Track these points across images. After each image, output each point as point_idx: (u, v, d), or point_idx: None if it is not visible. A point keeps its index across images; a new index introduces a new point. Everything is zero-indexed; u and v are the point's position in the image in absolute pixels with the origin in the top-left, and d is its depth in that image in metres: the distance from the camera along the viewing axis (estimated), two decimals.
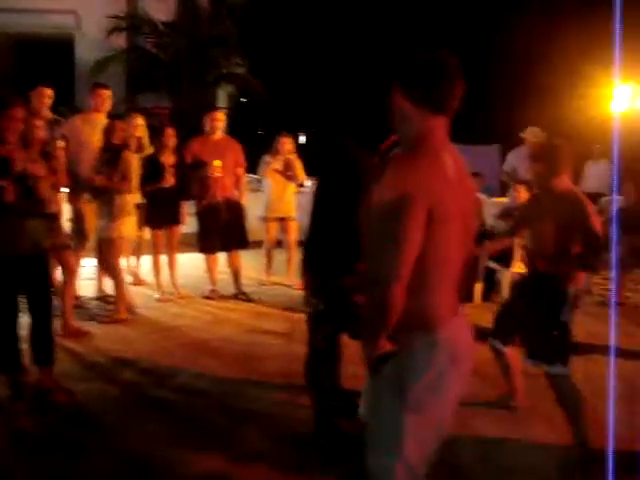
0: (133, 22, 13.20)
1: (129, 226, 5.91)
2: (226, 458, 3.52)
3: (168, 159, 6.53)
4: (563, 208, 3.55)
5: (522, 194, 7.20)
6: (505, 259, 6.90)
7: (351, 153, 3.60)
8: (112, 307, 6.03)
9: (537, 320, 3.64)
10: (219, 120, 6.79)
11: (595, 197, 10.25)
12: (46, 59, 14.46)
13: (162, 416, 4.03)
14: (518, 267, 6.79)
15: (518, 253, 6.70)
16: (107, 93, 6.35)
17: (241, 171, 6.91)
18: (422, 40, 18.64)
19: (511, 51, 15.60)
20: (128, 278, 6.84)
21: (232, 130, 20.36)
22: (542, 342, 3.62)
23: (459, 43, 18.72)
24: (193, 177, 6.62)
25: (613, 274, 7.39)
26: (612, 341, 5.28)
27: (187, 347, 5.30)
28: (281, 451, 3.60)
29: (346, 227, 3.49)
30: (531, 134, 8.82)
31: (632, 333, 5.78)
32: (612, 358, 5.00)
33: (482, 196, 8.79)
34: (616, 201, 9.22)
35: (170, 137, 6.61)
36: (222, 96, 18.74)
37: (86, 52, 13.32)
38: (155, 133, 6.88)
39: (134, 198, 6.12)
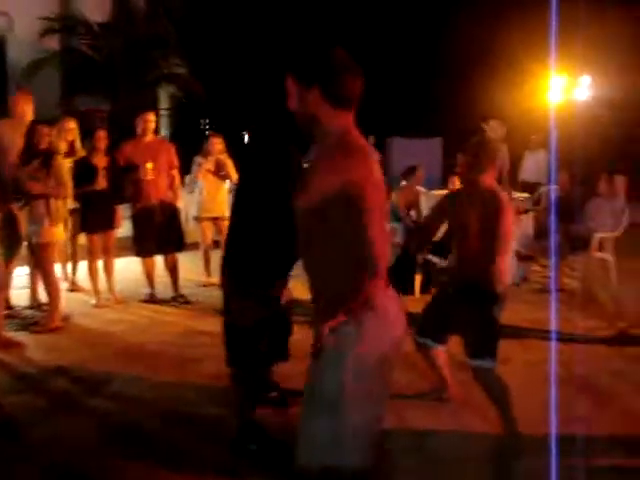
0: (66, 23, 12.94)
1: (60, 231, 5.81)
2: (160, 464, 3.47)
3: (100, 161, 6.42)
4: (485, 205, 3.57)
5: (457, 185, 7.31)
6: (443, 251, 6.95)
7: (289, 153, 3.53)
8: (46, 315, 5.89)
9: (468, 318, 3.64)
10: (150, 121, 6.68)
11: (533, 186, 10.48)
12: None
13: (92, 424, 3.94)
14: None
15: None
16: (28, 97, 6.20)
17: (175, 172, 6.82)
18: (367, 38, 18.75)
19: (454, 46, 15.79)
20: (64, 285, 6.72)
21: (175, 130, 20.14)
22: (473, 339, 3.65)
23: (403, 40, 18.90)
24: (126, 180, 6.53)
25: (552, 261, 7.56)
26: (553, 326, 5.41)
27: (122, 353, 5.21)
28: (216, 454, 3.56)
29: (273, 231, 3.44)
30: (489, 127, 8.83)
31: (571, 318, 5.89)
32: (553, 343, 5.12)
33: (422, 189, 8.88)
34: (553, 190, 9.42)
35: (101, 139, 6.51)
36: (163, 97, 18.49)
37: (19, 54, 13.00)
38: (88, 136, 6.77)
39: (66, 203, 6.03)
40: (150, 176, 6.46)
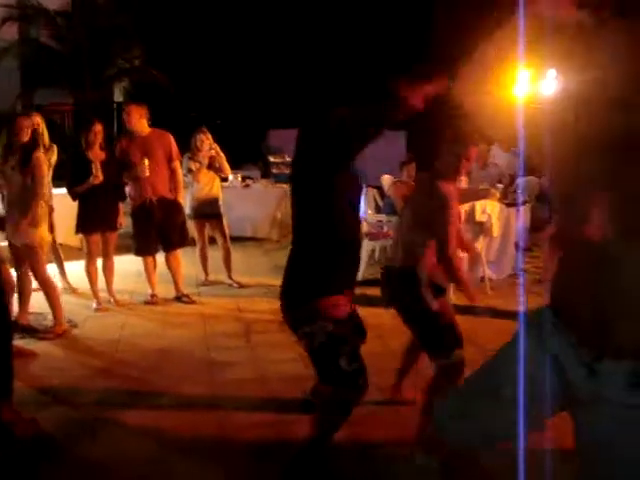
0: (26, 12, 12.29)
1: (44, 233, 5.38)
2: None
3: (96, 156, 6.04)
4: None
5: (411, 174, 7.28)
6: None
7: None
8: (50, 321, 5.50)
9: None
10: (130, 114, 6.26)
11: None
12: None
13: (139, 440, 3.63)
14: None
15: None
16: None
17: (176, 165, 6.44)
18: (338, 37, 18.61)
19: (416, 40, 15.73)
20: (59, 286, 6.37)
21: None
22: None
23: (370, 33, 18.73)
24: (126, 177, 6.21)
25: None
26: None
27: (143, 360, 4.87)
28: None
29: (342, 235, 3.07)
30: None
31: None
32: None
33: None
34: (524, 182, 9.48)
35: (97, 133, 6.12)
36: (118, 91, 17.95)
37: None
38: (55, 130, 6.35)
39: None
40: (147, 173, 6.12)
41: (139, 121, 6.29)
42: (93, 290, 6.20)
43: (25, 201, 5.19)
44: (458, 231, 3.46)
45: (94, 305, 6.14)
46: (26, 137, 5.31)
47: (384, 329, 5.48)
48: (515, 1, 1.80)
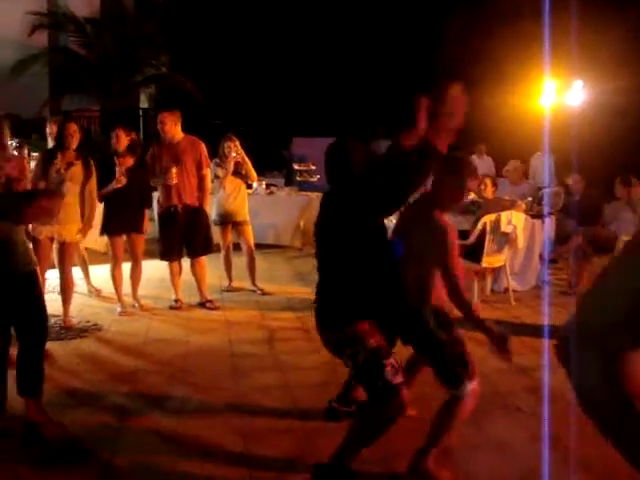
0: (56, 19, 12.48)
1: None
2: None
3: (121, 161, 6.10)
4: None
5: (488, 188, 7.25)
6: (475, 253, 6.79)
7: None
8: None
9: None
10: (162, 123, 6.32)
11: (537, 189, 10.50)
12: None
13: (163, 444, 3.64)
14: (488, 262, 6.73)
15: (489, 247, 6.62)
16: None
17: (206, 172, 6.45)
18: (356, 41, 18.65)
19: (446, 52, 15.70)
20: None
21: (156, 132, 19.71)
22: None
23: (395, 46, 18.76)
24: (154, 183, 6.29)
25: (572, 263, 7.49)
26: None
27: (169, 364, 4.89)
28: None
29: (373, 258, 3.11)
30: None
31: None
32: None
33: None
34: (547, 193, 9.43)
35: (123, 139, 6.18)
36: (144, 97, 18.14)
37: (6, 52, 12.52)
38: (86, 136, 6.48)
39: None
40: (175, 181, 6.18)
41: (173, 128, 6.34)
42: (118, 294, 6.25)
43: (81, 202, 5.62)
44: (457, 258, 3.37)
45: (118, 309, 6.19)
46: (77, 142, 5.51)
47: None
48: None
